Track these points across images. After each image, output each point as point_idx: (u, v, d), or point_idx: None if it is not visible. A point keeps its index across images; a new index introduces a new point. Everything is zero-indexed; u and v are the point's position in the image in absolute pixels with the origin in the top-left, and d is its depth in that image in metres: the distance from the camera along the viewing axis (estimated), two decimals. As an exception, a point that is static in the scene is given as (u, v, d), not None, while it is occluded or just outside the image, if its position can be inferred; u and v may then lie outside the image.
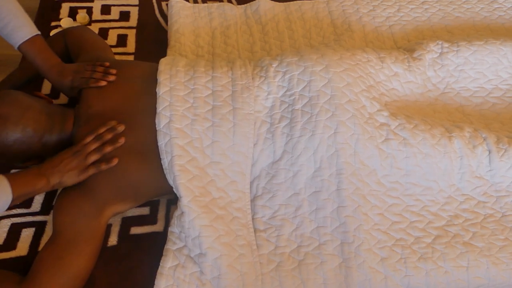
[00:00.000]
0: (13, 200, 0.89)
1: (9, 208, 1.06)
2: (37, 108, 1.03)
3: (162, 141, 1.01)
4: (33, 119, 1.01)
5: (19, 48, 1.10)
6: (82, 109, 1.09)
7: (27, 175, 0.93)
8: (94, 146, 1.00)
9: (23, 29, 1.09)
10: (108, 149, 0.99)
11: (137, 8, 1.59)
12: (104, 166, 0.98)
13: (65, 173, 0.96)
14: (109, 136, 1.01)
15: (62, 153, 0.99)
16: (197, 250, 0.95)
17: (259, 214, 1.03)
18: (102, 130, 1.02)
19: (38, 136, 1.02)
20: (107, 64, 1.14)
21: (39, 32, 1.13)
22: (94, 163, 0.98)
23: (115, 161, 0.99)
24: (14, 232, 1.02)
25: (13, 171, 1.13)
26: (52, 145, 1.05)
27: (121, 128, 1.03)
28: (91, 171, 0.98)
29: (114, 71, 1.12)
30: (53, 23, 1.50)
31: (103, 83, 1.09)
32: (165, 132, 1.01)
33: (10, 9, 1.06)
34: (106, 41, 1.44)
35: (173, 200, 1.11)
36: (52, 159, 0.97)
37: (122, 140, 1.01)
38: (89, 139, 1.01)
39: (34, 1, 1.79)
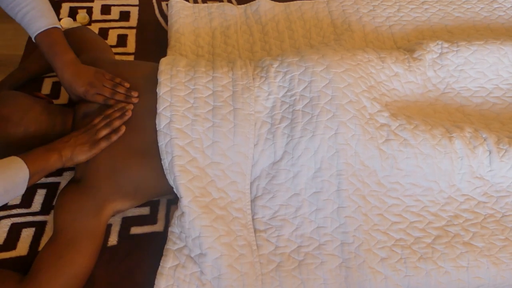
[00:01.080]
0: (30, 178, 0.90)
1: (9, 208, 1.06)
2: (38, 109, 1.03)
3: (162, 142, 1.01)
4: (34, 120, 1.01)
5: (35, 39, 1.06)
6: (82, 109, 1.09)
7: (38, 151, 0.93)
8: (103, 123, 1.02)
9: (40, 19, 1.05)
10: (117, 123, 1.02)
11: (137, 8, 1.59)
12: (114, 137, 1.00)
13: (77, 147, 0.97)
14: (116, 114, 1.03)
15: (72, 132, 1.01)
16: (198, 250, 0.95)
17: (260, 214, 1.03)
18: (108, 111, 1.04)
19: (39, 137, 1.02)
20: (127, 85, 1.08)
21: (58, 25, 1.08)
22: (104, 137, 1.00)
23: (123, 129, 1.01)
24: (14, 232, 1.02)
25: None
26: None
27: (135, 93, 1.05)
28: (103, 144, 0.99)
29: (136, 94, 1.07)
30: (53, 23, 1.50)
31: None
32: (166, 132, 1.01)
33: None
34: (106, 41, 1.43)
35: (173, 200, 1.11)
36: (63, 137, 0.99)
37: (129, 113, 1.03)
38: (97, 120, 1.03)
39: (34, 1, 1.79)
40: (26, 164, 0.89)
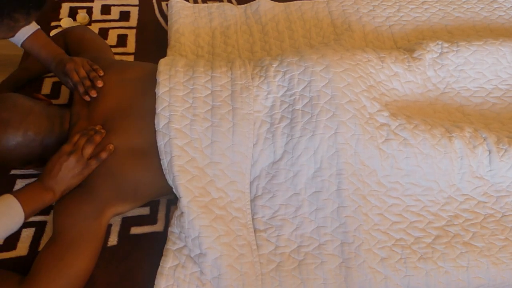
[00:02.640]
0: (25, 219, 0.90)
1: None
2: (38, 112, 1.03)
3: (161, 142, 1.01)
4: (34, 123, 1.01)
5: (22, 45, 1.10)
6: (77, 110, 1.09)
7: (34, 192, 0.92)
8: (84, 139, 1.00)
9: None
10: (98, 138, 1.00)
11: (137, 8, 1.59)
12: (104, 154, 0.99)
13: (70, 178, 0.96)
14: (91, 132, 1.02)
15: (56, 158, 0.97)
16: (197, 250, 0.95)
17: (259, 214, 1.03)
18: (85, 129, 1.03)
19: (39, 139, 1.02)
20: (101, 73, 1.11)
21: (39, 27, 1.13)
22: (93, 157, 0.98)
23: (111, 147, 1.00)
24: (14, 232, 1.02)
25: (13, 172, 1.13)
26: (53, 147, 1.05)
27: (103, 131, 1.03)
28: (94, 164, 0.98)
29: (101, 84, 1.09)
30: (53, 23, 1.50)
31: (88, 99, 1.08)
32: (164, 132, 1.01)
33: None
34: (106, 41, 1.43)
35: (173, 200, 1.11)
36: (51, 168, 0.96)
37: (103, 131, 1.02)
38: (76, 137, 1.00)
39: (34, 1, 1.79)
40: (22, 207, 0.88)
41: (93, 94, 1.08)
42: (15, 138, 0.99)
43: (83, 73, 1.09)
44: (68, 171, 0.96)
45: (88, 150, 0.98)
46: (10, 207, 0.88)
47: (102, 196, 0.98)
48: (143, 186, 1.02)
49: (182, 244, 0.98)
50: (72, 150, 0.97)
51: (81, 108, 1.09)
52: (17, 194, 0.90)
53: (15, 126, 0.99)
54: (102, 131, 1.02)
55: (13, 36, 0.89)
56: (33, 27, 1.11)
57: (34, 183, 0.94)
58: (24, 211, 0.89)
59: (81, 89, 1.08)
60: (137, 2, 1.61)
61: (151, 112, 1.04)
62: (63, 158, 0.96)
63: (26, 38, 1.10)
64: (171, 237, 1.00)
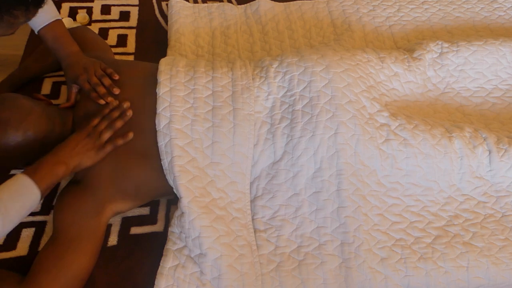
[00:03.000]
0: (41, 196, 0.89)
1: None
2: (38, 112, 1.03)
3: (162, 142, 1.01)
4: (34, 123, 1.01)
5: (39, 32, 1.10)
6: (82, 110, 1.09)
7: (47, 166, 0.92)
8: (104, 124, 1.00)
9: (44, 13, 1.07)
10: (119, 123, 1.01)
11: (137, 8, 1.59)
12: (120, 141, 0.99)
13: (84, 154, 0.96)
14: (116, 113, 1.02)
15: (74, 136, 0.98)
16: (197, 250, 0.95)
17: (259, 214, 1.03)
18: (106, 110, 1.03)
19: (39, 139, 1.02)
20: (116, 77, 1.09)
21: (60, 17, 1.12)
22: (109, 140, 0.99)
23: (130, 135, 1.01)
24: (14, 232, 1.02)
25: (13, 172, 1.13)
26: (53, 147, 1.04)
27: (126, 105, 1.03)
28: (109, 148, 0.99)
29: (117, 91, 1.07)
30: (53, 23, 1.50)
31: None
32: (165, 132, 1.01)
33: None
34: (106, 41, 1.43)
35: (173, 200, 1.11)
36: (67, 143, 0.96)
37: (130, 113, 1.02)
38: (96, 121, 1.01)
39: (34, 1, 1.79)
40: (37, 184, 0.87)
41: (110, 100, 1.06)
42: (15, 138, 0.99)
43: (95, 80, 1.08)
44: (83, 149, 0.96)
45: (107, 135, 0.99)
46: (24, 188, 0.87)
47: (102, 194, 0.98)
48: (144, 186, 1.02)
49: (182, 244, 0.98)
50: (90, 132, 0.99)
51: (84, 108, 1.09)
52: (29, 173, 0.89)
53: (15, 126, 0.99)
54: (129, 112, 1.02)
55: (13, 33, 0.88)
56: (53, 16, 1.10)
57: (46, 158, 0.93)
58: (40, 188, 0.88)
59: (93, 96, 1.07)
60: (137, 2, 1.61)
61: (152, 112, 1.04)
62: (80, 137, 0.98)
63: (44, 26, 1.09)
64: (171, 237, 1.00)
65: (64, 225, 0.94)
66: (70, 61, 1.11)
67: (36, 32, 1.11)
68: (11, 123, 0.98)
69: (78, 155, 0.95)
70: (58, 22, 1.12)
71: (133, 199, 1.02)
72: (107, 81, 1.08)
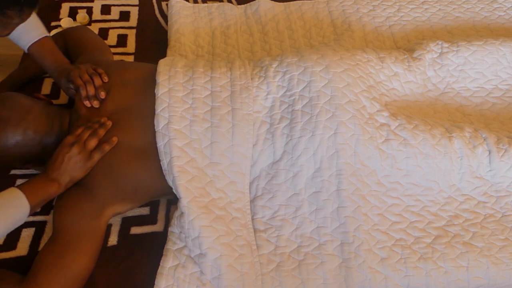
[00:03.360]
0: (31, 211, 0.90)
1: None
2: (37, 111, 1.03)
3: (161, 142, 1.01)
4: (33, 122, 1.01)
5: (28, 50, 1.10)
6: (79, 111, 1.09)
7: (38, 184, 0.93)
8: (87, 132, 1.00)
9: (32, 31, 1.08)
10: (102, 131, 1.00)
11: (137, 8, 1.59)
12: (107, 146, 0.99)
13: (72, 169, 0.96)
14: (97, 125, 1.02)
15: (59, 150, 0.98)
16: (197, 250, 0.95)
17: (259, 214, 1.03)
18: (89, 124, 1.03)
19: (38, 138, 1.02)
20: (106, 79, 1.09)
21: (48, 34, 1.13)
22: (95, 149, 0.99)
23: (115, 140, 1.00)
24: (14, 232, 1.02)
25: (12, 172, 1.13)
26: (52, 147, 1.05)
27: (104, 119, 1.03)
28: (97, 156, 0.98)
29: (104, 95, 1.07)
30: (53, 23, 1.50)
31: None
32: (164, 133, 1.01)
33: None
34: (106, 41, 1.44)
35: (173, 200, 1.11)
36: (54, 160, 0.97)
37: (109, 123, 1.02)
38: (79, 129, 1.01)
39: (34, 1, 1.79)
40: (27, 199, 0.89)
41: (96, 104, 1.06)
42: (15, 137, 0.99)
43: (86, 77, 1.08)
44: (71, 163, 0.96)
45: (92, 143, 0.99)
46: (15, 199, 0.88)
47: (102, 195, 0.98)
48: (143, 186, 1.02)
49: (182, 244, 0.98)
50: (74, 141, 0.98)
51: (81, 109, 1.09)
52: (21, 187, 0.91)
53: (14, 125, 0.99)
54: (108, 123, 1.02)
55: (8, 33, 0.88)
56: (41, 33, 1.11)
57: (39, 176, 0.95)
58: (30, 202, 0.89)
59: (83, 93, 1.07)
60: (137, 2, 1.61)
61: (151, 113, 1.04)
62: (65, 149, 0.97)
63: (33, 44, 1.10)
64: (171, 237, 1.00)
65: (64, 225, 0.94)
66: (60, 69, 1.11)
67: (25, 50, 1.11)
68: (10, 121, 0.98)
69: (66, 172, 0.96)
70: (47, 38, 1.12)
71: (133, 199, 1.03)
72: (97, 81, 1.08)
